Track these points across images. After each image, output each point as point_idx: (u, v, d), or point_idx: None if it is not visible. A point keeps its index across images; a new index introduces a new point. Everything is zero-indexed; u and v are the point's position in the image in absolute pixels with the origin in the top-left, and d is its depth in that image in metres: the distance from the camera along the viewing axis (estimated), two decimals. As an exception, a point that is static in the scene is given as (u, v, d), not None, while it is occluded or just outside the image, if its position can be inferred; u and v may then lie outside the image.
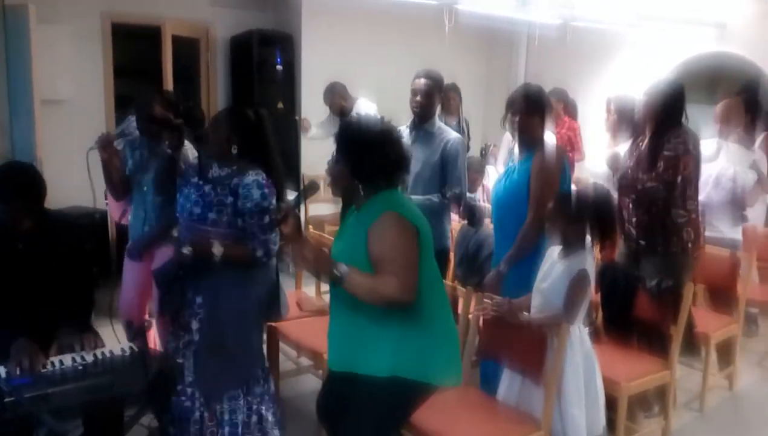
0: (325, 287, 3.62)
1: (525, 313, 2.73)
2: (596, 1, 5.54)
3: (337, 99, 5.28)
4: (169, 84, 5.78)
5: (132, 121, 3.41)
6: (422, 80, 3.53)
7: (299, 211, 2.26)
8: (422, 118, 3.55)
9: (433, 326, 2.26)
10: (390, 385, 2.17)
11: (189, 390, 2.62)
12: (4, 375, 2.19)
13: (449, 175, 3.49)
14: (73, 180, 3.74)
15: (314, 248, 2.15)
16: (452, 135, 3.58)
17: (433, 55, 6.36)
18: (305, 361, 3.69)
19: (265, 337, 3.16)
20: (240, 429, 2.66)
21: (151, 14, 5.68)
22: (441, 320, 2.30)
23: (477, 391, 2.91)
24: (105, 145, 3.13)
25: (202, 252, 2.53)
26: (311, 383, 3.56)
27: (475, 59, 7.23)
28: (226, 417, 2.64)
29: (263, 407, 2.73)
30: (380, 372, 2.17)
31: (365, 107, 5.06)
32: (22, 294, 2.50)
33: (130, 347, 2.45)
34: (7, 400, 1.84)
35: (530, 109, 3.02)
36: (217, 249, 2.51)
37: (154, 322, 3.25)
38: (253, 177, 2.59)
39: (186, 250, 2.52)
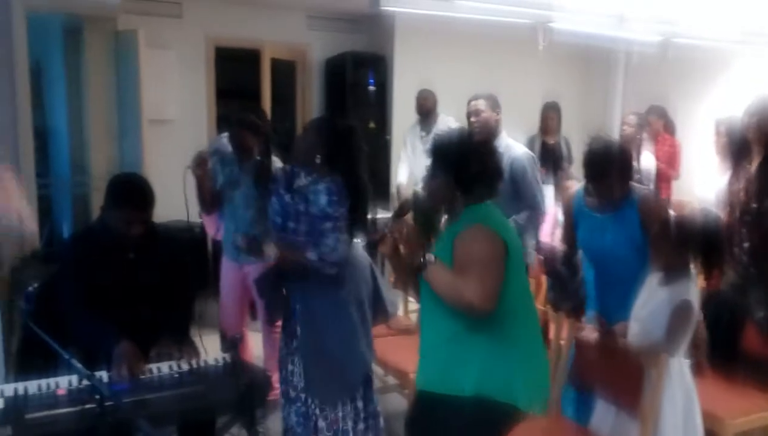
0: (413, 306, 3.60)
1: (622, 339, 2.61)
2: (699, 18, 5.30)
3: (431, 102, 5.21)
4: (267, 105, 6.00)
5: (223, 139, 3.59)
6: (476, 101, 3.50)
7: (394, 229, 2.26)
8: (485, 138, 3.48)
9: (521, 346, 2.19)
10: (475, 405, 2.11)
11: (303, 396, 2.67)
12: (106, 380, 2.31)
13: (522, 194, 3.40)
14: (176, 196, 3.94)
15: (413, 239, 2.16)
16: (518, 151, 3.49)
17: (526, 74, 6.33)
18: (392, 379, 3.67)
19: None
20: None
21: (252, 38, 5.92)
22: (529, 341, 2.24)
23: (568, 421, 2.80)
24: (199, 163, 3.33)
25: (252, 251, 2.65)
26: (397, 402, 3.53)
27: (569, 78, 7.06)
28: (342, 426, 2.69)
29: (370, 417, 2.78)
30: (465, 391, 2.12)
31: (447, 123, 5.02)
32: (128, 301, 2.62)
33: (224, 358, 2.52)
34: (107, 404, 1.92)
35: (603, 172, 2.70)
36: (272, 251, 2.59)
37: (247, 333, 3.37)
38: (326, 184, 2.63)
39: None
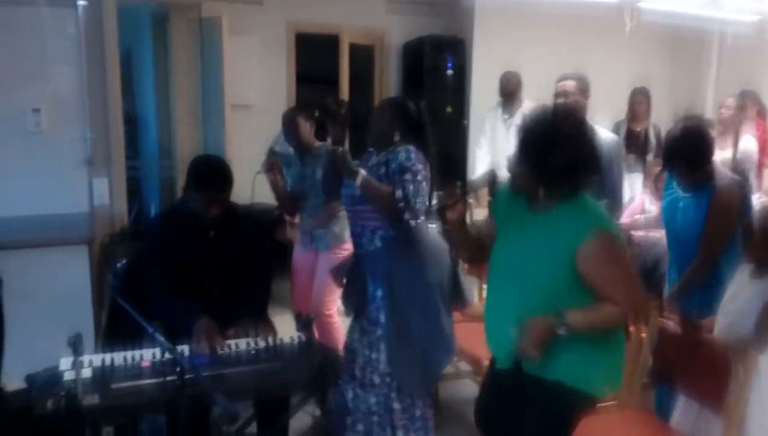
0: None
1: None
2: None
3: (514, 83, 5.03)
4: (345, 90, 6.05)
5: (281, 138, 3.76)
6: (565, 82, 3.30)
7: (467, 202, 2.23)
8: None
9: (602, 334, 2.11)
10: (555, 388, 2.06)
11: (387, 380, 2.68)
12: (186, 354, 2.40)
13: (604, 182, 3.26)
14: (256, 178, 4.04)
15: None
16: (604, 138, 3.33)
17: (612, 57, 6.09)
18: (464, 366, 3.65)
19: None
20: (417, 423, 2.71)
21: (331, 23, 5.97)
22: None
23: (650, 415, 2.70)
24: (270, 167, 3.54)
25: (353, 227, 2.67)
26: (469, 389, 3.51)
27: (658, 61, 6.75)
28: (417, 412, 2.70)
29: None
30: (547, 375, 2.07)
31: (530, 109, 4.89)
32: (208, 280, 2.71)
33: (299, 337, 2.57)
34: (187, 377, 2.00)
35: (675, 154, 2.76)
36: (359, 181, 2.57)
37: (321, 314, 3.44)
38: (403, 146, 2.65)
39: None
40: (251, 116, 5.52)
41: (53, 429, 2.10)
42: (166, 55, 5.42)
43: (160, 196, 5.49)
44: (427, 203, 2.66)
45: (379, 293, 2.69)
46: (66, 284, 3.32)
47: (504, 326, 2.07)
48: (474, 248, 2.31)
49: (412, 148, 2.65)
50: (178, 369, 1.99)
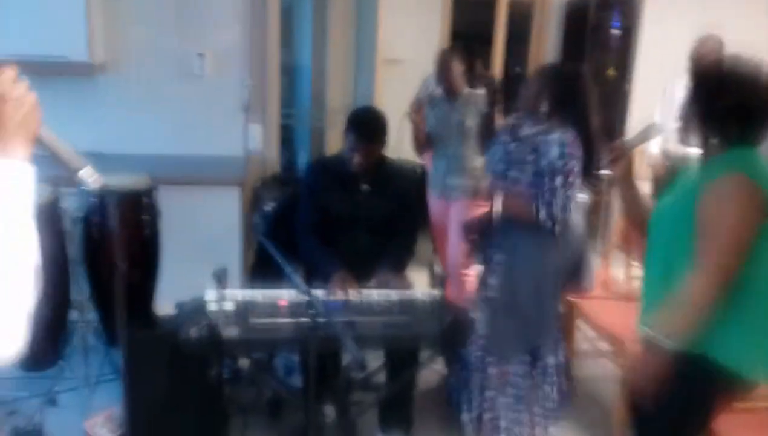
0: (635, 272, 3.33)
1: None
2: None
3: (707, 48, 4.53)
4: (499, 48, 5.85)
5: (430, 80, 3.78)
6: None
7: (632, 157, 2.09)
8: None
9: (759, 313, 1.86)
10: (698, 362, 1.85)
11: (481, 342, 2.60)
12: (322, 298, 2.44)
13: None
14: (402, 134, 4.03)
15: None
16: None
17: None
18: (604, 345, 3.45)
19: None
20: (523, 393, 2.59)
21: (492, -22, 5.75)
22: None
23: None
24: (417, 110, 3.55)
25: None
26: (607, 369, 3.33)
27: None
28: (512, 379, 2.58)
29: (549, 379, 2.62)
30: (692, 348, 1.85)
31: None
32: (356, 231, 2.76)
33: (431, 294, 2.54)
34: (319, 320, 2.03)
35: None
36: (498, 200, 2.43)
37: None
38: (558, 135, 2.43)
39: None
40: (401, 71, 5.48)
41: (196, 355, 2.24)
42: (324, 8, 5.50)
43: (310, 145, 5.66)
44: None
45: (497, 257, 2.55)
46: (218, 221, 3.51)
47: (648, 297, 1.94)
48: (638, 208, 2.14)
49: (568, 138, 2.42)
50: (311, 312, 2.02)
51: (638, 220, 2.14)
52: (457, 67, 3.49)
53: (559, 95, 2.49)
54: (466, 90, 3.54)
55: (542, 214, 2.40)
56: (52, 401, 2.91)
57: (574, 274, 2.62)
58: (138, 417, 2.59)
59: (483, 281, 2.63)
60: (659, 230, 1.97)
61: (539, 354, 2.59)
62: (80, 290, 3.06)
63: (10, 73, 1.05)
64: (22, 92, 1.04)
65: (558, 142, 2.41)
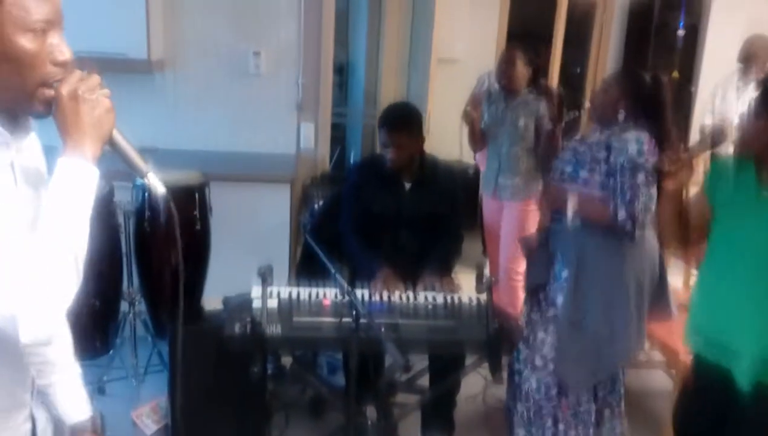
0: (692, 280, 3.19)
1: None
2: None
3: (756, 47, 4.33)
4: (558, 48, 5.71)
5: (490, 76, 3.74)
6: (761, 41, 2.73)
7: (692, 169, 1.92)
8: None
9: None
10: None
11: (551, 367, 2.47)
12: (366, 298, 2.42)
13: None
14: (456, 135, 3.98)
15: None
16: None
17: None
18: (657, 355, 3.32)
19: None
20: (579, 418, 2.49)
21: (552, -23, 5.62)
22: None
23: None
24: (475, 106, 3.50)
25: (554, 204, 2.40)
26: (660, 380, 3.20)
27: None
28: (582, 407, 2.46)
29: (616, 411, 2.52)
30: None
31: None
32: (400, 231, 2.73)
33: (478, 298, 2.47)
34: (362, 321, 2.01)
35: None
36: (572, 202, 2.31)
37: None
38: (634, 133, 2.31)
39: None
40: (456, 71, 5.41)
41: (240, 351, 2.25)
42: (380, 5, 5.49)
43: (362, 143, 5.65)
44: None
45: (565, 273, 2.42)
46: (268, 218, 3.53)
47: (731, 325, 1.80)
48: (682, 226, 2.01)
49: (645, 136, 2.30)
50: (353, 312, 2.00)
51: (682, 237, 2.01)
52: (521, 66, 3.40)
53: (639, 104, 2.36)
54: (525, 91, 3.45)
55: (621, 214, 2.27)
56: (101, 390, 2.99)
57: (655, 295, 2.45)
58: (182, 410, 2.61)
59: (548, 300, 2.49)
60: (746, 260, 1.82)
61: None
62: (131, 282, 3.13)
63: (96, 78, 1.08)
64: (99, 94, 1.07)
65: (635, 139, 2.29)
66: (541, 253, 2.54)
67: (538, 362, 2.49)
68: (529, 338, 2.53)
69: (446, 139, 4.13)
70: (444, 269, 2.71)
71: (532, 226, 3.34)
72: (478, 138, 3.58)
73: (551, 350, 2.46)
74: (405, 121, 2.71)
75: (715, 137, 2.19)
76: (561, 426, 2.48)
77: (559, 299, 2.44)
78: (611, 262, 2.37)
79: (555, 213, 2.52)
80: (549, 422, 2.48)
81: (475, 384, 3.10)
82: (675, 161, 1.87)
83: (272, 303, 2.33)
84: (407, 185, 2.74)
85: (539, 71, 3.33)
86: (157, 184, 1.14)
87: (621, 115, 2.36)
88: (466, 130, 3.66)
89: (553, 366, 2.44)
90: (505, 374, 2.65)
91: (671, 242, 2.14)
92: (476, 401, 3.15)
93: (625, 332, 2.40)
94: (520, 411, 2.55)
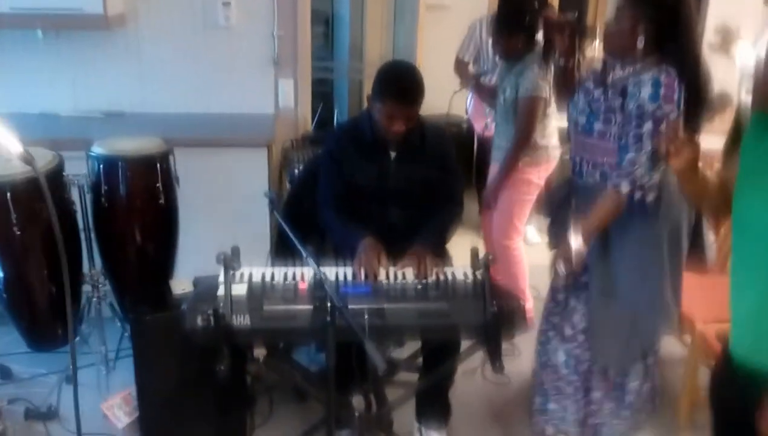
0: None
1: None
2: None
3: None
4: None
5: (480, 22, 3.65)
6: None
7: (698, 144, 1.65)
8: None
9: None
10: None
11: (581, 338, 2.28)
12: (346, 279, 2.16)
13: None
14: (448, 86, 3.66)
15: None
16: None
17: None
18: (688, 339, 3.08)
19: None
20: (632, 397, 2.31)
21: None
22: None
23: None
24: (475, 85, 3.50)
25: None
26: (672, 348, 2.96)
27: None
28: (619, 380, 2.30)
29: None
30: None
31: None
32: (386, 204, 2.42)
33: (474, 275, 2.20)
34: (343, 307, 1.78)
35: None
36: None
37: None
38: (653, 73, 1.99)
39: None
40: (447, 19, 5.04)
41: (204, 345, 2.00)
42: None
43: (348, 100, 5.34)
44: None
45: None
46: (244, 187, 3.22)
47: (748, 302, 1.54)
48: (717, 200, 1.73)
49: (664, 73, 1.97)
50: (328, 304, 1.74)
51: (721, 210, 1.74)
52: (512, 38, 2.98)
53: (659, 26, 2.00)
54: (527, 57, 2.99)
55: (624, 186, 2.03)
56: (69, 379, 2.74)
57: (692, 247, 2.22)
58: (150, 402, 2.40)
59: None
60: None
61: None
62: (93, 263, 2.86)
63: None
64: None
65: (651, 81, 1.97)
66: (562, 209, 2.31)
67: (568, 331, 2.31)
68: (561, 300, 2.35)
69: (435, 93, 3.81)
70: (440, 239, 2.42)
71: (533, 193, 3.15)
72: (486, 97, 3.44)
73: (582, 319, 2.27)
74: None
75: (718, 104, 1.94)
76: (596, 395, 2.33)
77: (590, 265, 2.20)
78: (639, 219, 2.10)
79: (574, 164, 2.26)
80: (579, 395, 2.35)
81: (473, 357, 2.85)
82: (673, 140, 1.62)
83: (241, 290, 2.06)
84: (392, 154, 2.40)
85: (536, 26, 2.87)
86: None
87: (640, 42, 2.01)
88: (457, 82, 3.38)
89: (585, 338, 2.28)
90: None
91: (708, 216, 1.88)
92: (474, 376, 2.93)
93: (664, 293, 2.17)
94: (546, 387, 2.42)
